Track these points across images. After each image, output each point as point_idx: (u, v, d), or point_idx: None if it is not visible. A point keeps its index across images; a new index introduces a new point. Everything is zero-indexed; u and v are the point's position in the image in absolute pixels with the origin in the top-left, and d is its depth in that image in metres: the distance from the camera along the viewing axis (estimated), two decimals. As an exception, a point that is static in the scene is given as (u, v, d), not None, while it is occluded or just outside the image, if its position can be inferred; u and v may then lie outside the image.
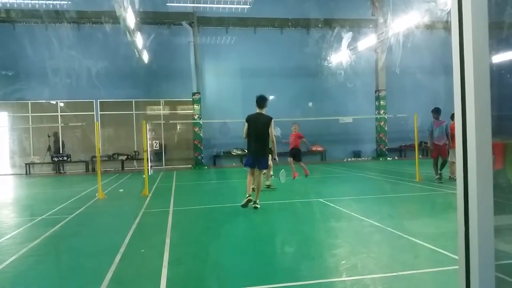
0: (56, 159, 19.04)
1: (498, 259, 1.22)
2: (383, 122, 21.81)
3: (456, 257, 1.30)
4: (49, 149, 18.98)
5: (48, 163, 19.08)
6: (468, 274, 1.23)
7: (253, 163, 7.75)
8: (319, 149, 21.45)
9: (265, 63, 20.80)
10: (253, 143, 7.70)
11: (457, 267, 1.29)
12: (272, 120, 7.72)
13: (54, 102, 19.83)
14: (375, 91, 22.05)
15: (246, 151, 7.99)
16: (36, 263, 4.93)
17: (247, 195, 7.65)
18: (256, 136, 7.66)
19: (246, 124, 7.82)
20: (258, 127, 7.65)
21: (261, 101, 7.85)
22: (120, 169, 19.74)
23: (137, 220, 7.13)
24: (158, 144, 20.48)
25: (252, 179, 7.85)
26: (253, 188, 7.96)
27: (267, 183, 11.02)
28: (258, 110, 7.84)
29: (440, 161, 10.86)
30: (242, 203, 7.57)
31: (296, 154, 13.03)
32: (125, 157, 19.88)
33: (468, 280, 1.24)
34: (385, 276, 4.00)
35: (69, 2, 18.46)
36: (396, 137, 21.87)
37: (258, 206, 7.72)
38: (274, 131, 7.89)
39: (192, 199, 10.24)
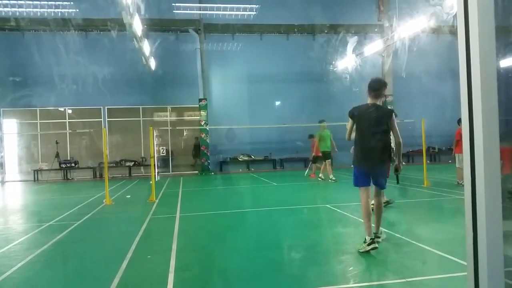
0: (64, 165, 19.16)
1: (507, 265, 1.20)
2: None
3: (465, 263, 1.28)
4: (57, 155, 19.11)
5: (56, 169, 19.21)
6: (477, 281, 1.22)
7: (367, 177, 5.29)
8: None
9: (271, 69, 20.84)
10: (365, 148, 5.29)
11: (466, 273, 1.27)
12: (394, 114, 5.37)
13: (62, 109, 20.00)
14: (382, 96, 21.95)
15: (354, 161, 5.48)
16: (44, 269, 4.94)
17: (369, 238, 4.93)
18: (369, 137, 5.24)
19: (350, 120, 5.46)
20: (371, 123, 5.23)
21: (378, 86, 5.34)
22: (127, 175, 19.82)
23: (144, 226, 7.13)
24: (165, 150, 20.55)
25: (368, 202, 5.27)
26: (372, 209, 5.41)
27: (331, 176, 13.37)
28: (370, 101, 5.33)
29: None
30: (362, 249, 4.93)
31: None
32: (132, 163, 19.96)
33: (477, 286, 1.22)
34: (393, 283, 3.96)
35: (77, 10, 18.67)
36: (404, 142, 21.68)
37: (381, 238, 5.33)
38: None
39: (199, 205, 10.23)
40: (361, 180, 5.32)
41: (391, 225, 6.50)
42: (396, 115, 6.74)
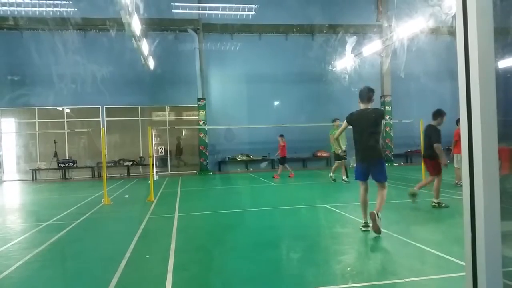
0: (62, 165, 19.13)
1: (506, 265, 1.20)
2: (388, 128, 21.72)
3: (463, 263, 1.29)
4: (55, 155, 19.08)
5: (54, 169, 19.18)
6: (475, 281, 1.22)
7: (365, 173, 6.07)
8: (325, 154, 21.39)
9: (270, 69, 20.84)
10: (362, 146, 6.05)
11: (464, 273, 1.27)
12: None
13: (60, 108, 19.97)
14: (381, 97, 21.98)
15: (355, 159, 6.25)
16: (42, 269, 4.93)
17: (363, 222, 6.10)
18: (366, 137, 5.96)
19: (345, 123, 6.34)
20: (368, 124, 5.95)
21: (366, 93, 6.10)
22: (126, 175, 19.80)
23: (142, 226, 7.13)
24: (163, 150, 20.54)
25: (366, 197, 6.16)
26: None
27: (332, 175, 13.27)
28: (363, 106, 6.11)
29: None
30: (362, 228, 6.08)
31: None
32: (131, 163, 19.94)
33: (475, 287, 1.22)
34: (391, 283, 3.96)
35: (76, 9, 18.64)
36: (402, 142, 21.78)
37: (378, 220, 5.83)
38: None
39: (197, 205, 10.23)
40: (358, 175, 6.16)
41: (389, 225, 6.50)
42: (442, 121, 7.68)
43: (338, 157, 13.33)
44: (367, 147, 5.95)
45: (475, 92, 1.21)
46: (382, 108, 21.97)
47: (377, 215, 5.76)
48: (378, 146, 6.02)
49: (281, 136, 15.79)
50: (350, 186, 12.36)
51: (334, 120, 13.64)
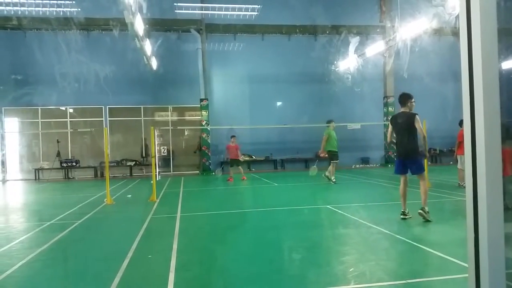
0: (65, 164, 19.18)
1: (509, 267, 1.20)
2: (391, 128, 21.66)
3: (466, 265, 1.28)
4: (58, 154, 19.13)
5: (57, 168, 19.22)
6: (478, 283, 1.21)
7: (402, 167, 7.01)
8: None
9: (273, 70, 20.84)
10: (399, 144, 7.03)
11: (466, 275, 1.27)
12: (417, 116, 6.82)
13: (63, 108, 20.02)
14: (384, 97, 21.96)
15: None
16: (44, 268, 4.95)
17: (402, 210, 6.98)
18: (401, 136, 6.97)
19: (390, 126, 7.29)
20: (401, 125, 6.92)
21: (402, 99, 7.11)
22: (128, 175, 19.83)
23: (144, 226, 7.14)
24: (166, 150, 20.56)
25: (406, 189, 7.05)
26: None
27: (333, 178, 13.00)
28: (401, 109, 7.10)
29: None
30: (401, 217, 6.93)
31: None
32: (133, 163, 19.97)
33: (478, 288, 1.22)
34: (393, 284, 3.95)
35: (79, 9, 18.68)
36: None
37: (427, 216, 6.67)
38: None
39: (199, 205, 10.23)
40: (397, 169, 7.13)
41: (391, 226, 6.49)
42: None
43: (332, 157, 13.35)
44: (402, 144, 6.91)
45: (479, 93, 1.20)
46: (384, 109, 21.95)
47: (424, 211, 6.67)
48: (412, 143, 6.83)
49: (233, 136, 15.53)
50: (351, 187, 12.36)
51: (329, 121, 13.62)
